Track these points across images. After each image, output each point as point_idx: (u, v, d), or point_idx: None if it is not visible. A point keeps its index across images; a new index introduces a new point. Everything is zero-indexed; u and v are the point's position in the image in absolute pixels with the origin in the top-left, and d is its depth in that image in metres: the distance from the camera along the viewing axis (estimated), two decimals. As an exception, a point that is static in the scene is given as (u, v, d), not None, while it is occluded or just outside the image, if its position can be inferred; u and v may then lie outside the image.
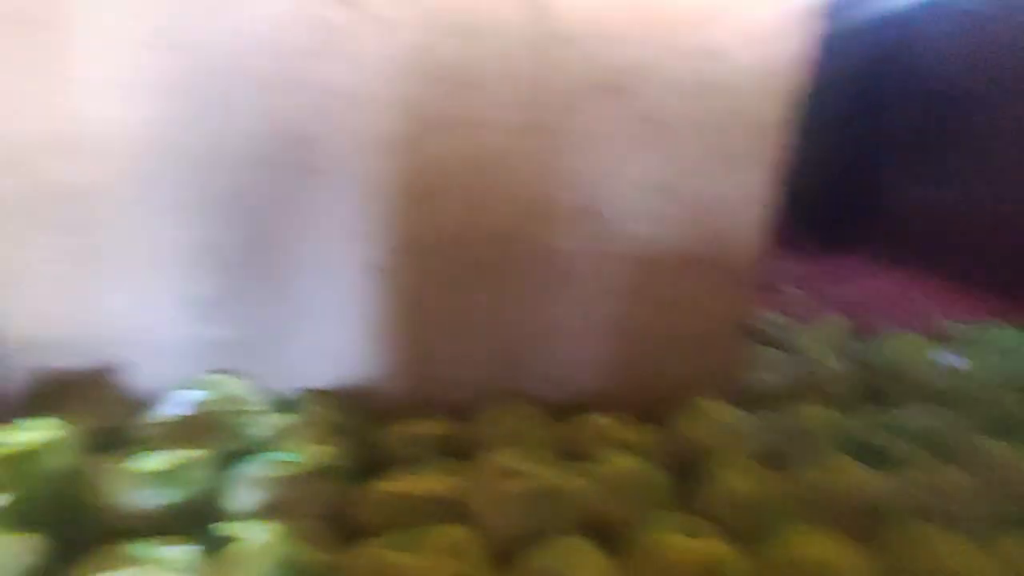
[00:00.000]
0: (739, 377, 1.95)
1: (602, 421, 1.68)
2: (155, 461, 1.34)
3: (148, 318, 1.67)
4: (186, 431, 1.51)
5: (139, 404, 1.65)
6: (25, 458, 1.28)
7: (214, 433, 1.52)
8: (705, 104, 1.69)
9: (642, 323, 1.83)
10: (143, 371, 1.70)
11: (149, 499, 1.30)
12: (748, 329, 1.95)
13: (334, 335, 1.75)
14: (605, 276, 1.78)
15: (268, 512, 1.30)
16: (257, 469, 1.39)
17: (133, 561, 1.11)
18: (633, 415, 1.77)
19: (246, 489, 1.35)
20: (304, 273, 1.69)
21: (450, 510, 1.37)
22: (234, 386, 1.67)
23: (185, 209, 1.60)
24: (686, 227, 1.79)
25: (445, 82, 1.61)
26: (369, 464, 1.56)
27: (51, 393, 1.65)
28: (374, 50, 1.57)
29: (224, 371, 1.71)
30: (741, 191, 1.77)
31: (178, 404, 1.59)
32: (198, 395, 1.62)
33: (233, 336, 1.71)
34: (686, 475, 1.61)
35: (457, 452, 1.63)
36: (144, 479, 1.31)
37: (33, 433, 1.34)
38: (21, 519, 1.17)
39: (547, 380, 1.84)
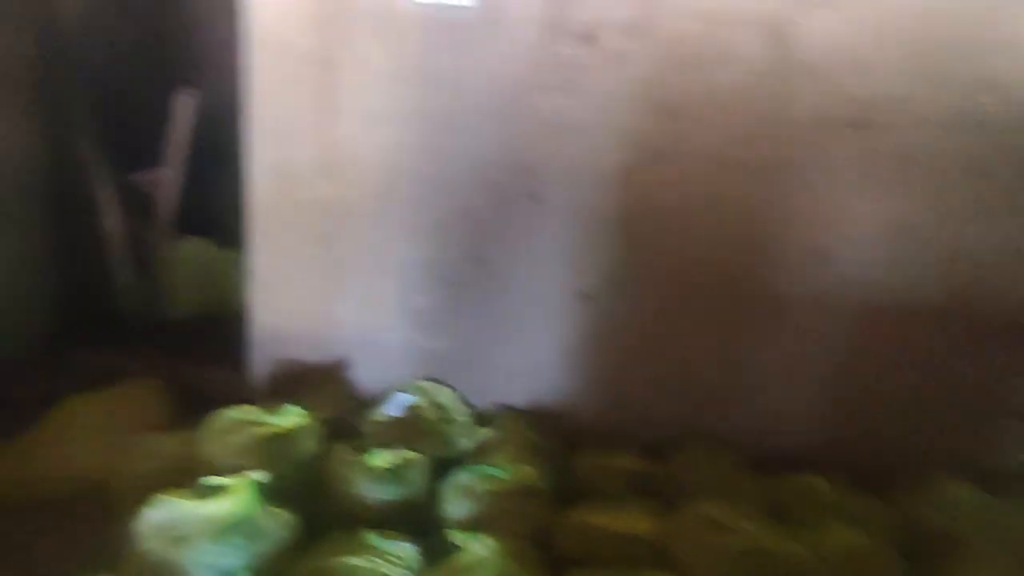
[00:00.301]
0: (987, 455, 1.68)
1: (818, 484, 1.54)
2: (381, 458, 1.46)
3: (373, 323, 1.84)
4: (402, 432, 1.63)
5: (360, 399, 1.83)
6: (281, 440, 1.46)
7: (426, 438, 1.63)
8: (972, 141, 1.49)
9: (868, 380, 1.65)
10: (365, 370, 1.87)
11: (375, 492, 1.41)
12: (1001, 398, 1.67)
13: (534, 356, 1.79)
14: (830, 324, 1.63)
15: (479, 524, 1.35)
16: (467, 479, 1.45)
17: (367, 550, 1.21)
18: (846, 480, 1.60)
19: (458, 498, 1.42)
20: (514, 294, 1.76)
21: (652, 553, 1.33)
22: (441, 394, 1.78)
23: (416, 227, 1.75)
24: (932, 277, 1.58)
25: (670, 115, 1.59)
26: (562, 489, 1.57)
27: (289, 381, 1.89)
28: (603, 83, 1.59)
29: (432, 379, 1.82)
30: (1012, 239, 1.53)
31: (394, 405, 1.73)
32: (410, 399, 1.74)
33: (443, 347, 1.83)
34: (916, 560, 1.41)
35: (652, 491, 1.59)
36: (373, 473, 1.43)
37: (286, 418, 1.52)
38: (277, 495, 1.33)
39: (751, 429, 1.72)
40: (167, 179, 2.47)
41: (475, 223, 1.72)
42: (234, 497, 1.21)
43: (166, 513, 1.18)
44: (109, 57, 2.42)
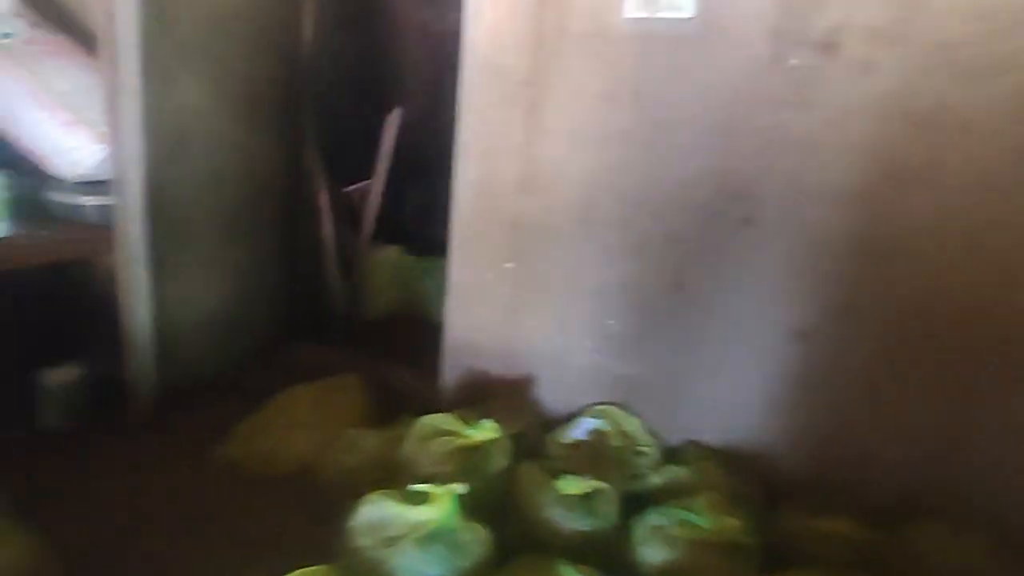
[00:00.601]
0: None
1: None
2: (573, 485, 1.41)
3: (564, 342, 1.81)
4: (587, 458, 1.58)
5: (545, 419, 1.81)
6: (477, 453, 1.48)
7: (612, 467, 1.56)
8: None
9: None
10: (550, 389, 1.85)
11: (566, 521, 1.37)
12: None
13: (733, 393, 1.64)
14: None
15: (675, 574, 1.25)
16: (662, 522, 1.36)
17: (560, 583, 1.17)
18: None
19: (652, 541, 1.33)
20: (716, 325, 1.63)
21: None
22: (628, 422, 1.70)
23: (615, 249, 1.69)
24: None
25: (923, 129, 1.37)
26: (763, 547, 1.41)
27: (477, 391, 1.93)
28: (841, 96, 1.42)
29: (620, 405, 1.75)
30: None
31: (580, 429, 1.68)
32: (596, 423, 1.69)
33: (633, 374, 1.74)
34: None
35: (874, 566, 1.37)
36: (564, 501, 1.39)
37: (481, 431, 1.54)
38: (471, 509, 1.34)
39: (1004, 504, 1.42)
40: (372, 191, 2.68)
41: (678, 247, 1.62)
42: (438, 506, 1.23)
43: (377, 513, 1.23)
44: (333, 79, 2.69)
